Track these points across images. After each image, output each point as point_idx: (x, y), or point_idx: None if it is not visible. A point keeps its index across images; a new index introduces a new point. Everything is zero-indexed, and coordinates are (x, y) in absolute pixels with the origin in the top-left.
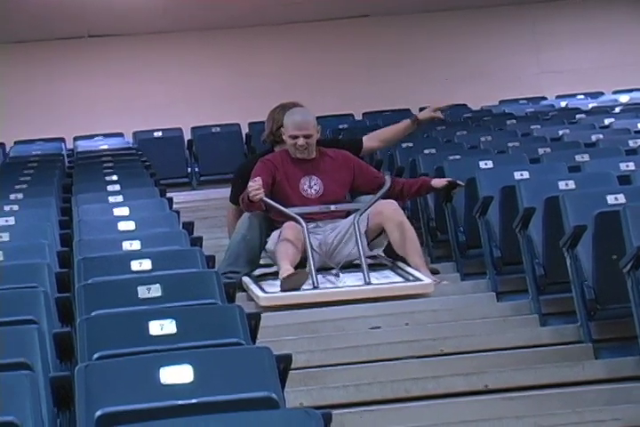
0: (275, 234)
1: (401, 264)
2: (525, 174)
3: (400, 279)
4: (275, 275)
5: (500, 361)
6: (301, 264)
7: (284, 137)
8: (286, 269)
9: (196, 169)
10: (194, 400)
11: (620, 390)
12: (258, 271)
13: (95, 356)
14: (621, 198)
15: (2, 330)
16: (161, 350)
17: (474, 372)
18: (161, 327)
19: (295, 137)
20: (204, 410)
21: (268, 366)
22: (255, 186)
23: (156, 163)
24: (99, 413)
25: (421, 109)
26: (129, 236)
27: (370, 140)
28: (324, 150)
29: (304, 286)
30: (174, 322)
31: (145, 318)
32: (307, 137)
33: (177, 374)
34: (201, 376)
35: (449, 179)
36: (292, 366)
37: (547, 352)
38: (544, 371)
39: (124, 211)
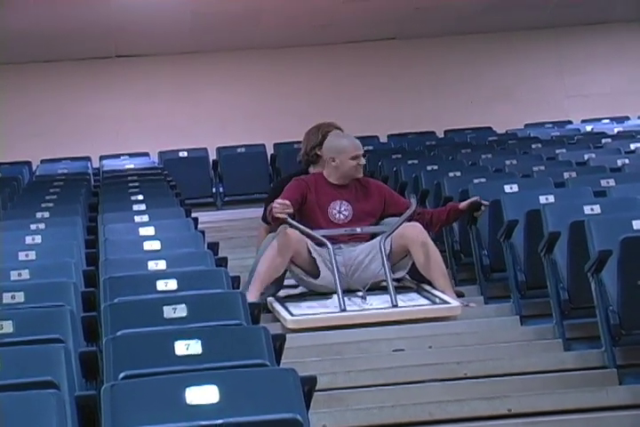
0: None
1: (426, 286)
2: (551, 198)
3: (427, 302)
4: (300, 296)
5: (523, 385)
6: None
7: (335, 162)
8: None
9: (221, 189)
10: (219, 421)
11: None
12: (282, 292)
13: (121, 375)
14: None
15: (28, 349)
16: (187, 371)
17: (497, 396)
18: (187, 347)
19: (357, 157)
20: None
21: (293, 387)
22: (281, 206)
23: (181, 183)
24: None
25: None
26: (154, 255)
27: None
28: (359, 178)
29: (331, 309)
30: (200, 342)
31: (171, 338)
32: (364, 156)
33: (203, 395)
34: (226, 397)
35: (473, 199)
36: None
37: (570, 377)
38: (567, 396)
39: (150, 230)
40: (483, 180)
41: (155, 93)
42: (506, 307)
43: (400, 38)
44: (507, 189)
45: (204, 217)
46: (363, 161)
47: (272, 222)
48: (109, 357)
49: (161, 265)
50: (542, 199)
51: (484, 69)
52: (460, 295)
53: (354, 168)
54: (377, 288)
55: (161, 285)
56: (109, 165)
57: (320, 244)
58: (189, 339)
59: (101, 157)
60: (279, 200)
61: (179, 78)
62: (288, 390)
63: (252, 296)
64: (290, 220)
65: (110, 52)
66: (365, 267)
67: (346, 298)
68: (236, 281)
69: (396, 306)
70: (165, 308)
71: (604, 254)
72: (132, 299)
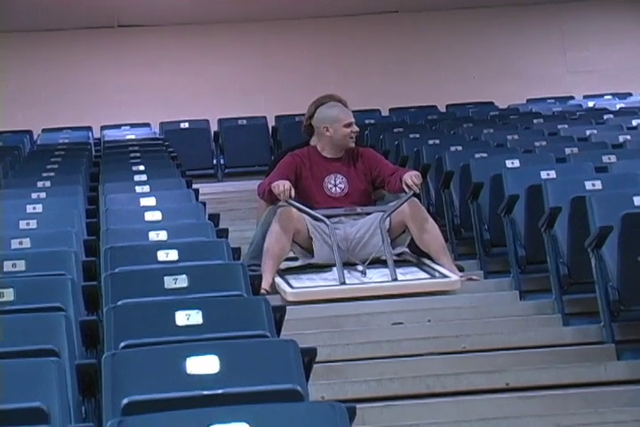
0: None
1: (426, 261)
2: (552, 174)
3: (426, 276)
4: (300, 269)
5: (521, 360)
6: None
7: (329, 132)
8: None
9: (222, 161)
10: (219, 391)
11: None
12: (283, 265)
13: (122, 344)
14: None
15: (29, 317)
16: (187, 341)
17: (495, 370)
18: (187, 318)
19: (350, 124)
20: (229, 401)
21: (293, 358)
22: (281, 188)
23: (181, 154)
24: (125, 401)
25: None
26: (155, 226)
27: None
28: (350, 149)
29: (331, 282)
30: (200, 313)
31: (172, 308)
32: (359, 132)
33: (203, 365)
34: (227, 367)
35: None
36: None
37: (569, 352)
38: (565, 370)
39: (151, 201)
40: (484, 154)
41: (157, 64)
42: (505, 282)
43: (403, 11)
44: (508, 164)
45: (205, 188)
46: (356, 128)
47: (265, 199)
48: (110, 326)
49: (162, 236)
50: (543, 175)
51: (488, 44)
52: (460, 270)
53: (347, 136)
54: (377, 262)
55: (162, 255)
56: (110, 135)
57: (319, 219)
58: (190, 309)
59: (102, 127)
60: (284, 184)
61: (181, 49)
62: (288, 362)
63: (268, 278)
64: (292, 201)
65: (112, 22)
66: (365, 242)
67: (346, 271)
68: (236, 252)
69: (395, 280)
70: (166, 278)
71: (605, 230)
72: (133, 269)
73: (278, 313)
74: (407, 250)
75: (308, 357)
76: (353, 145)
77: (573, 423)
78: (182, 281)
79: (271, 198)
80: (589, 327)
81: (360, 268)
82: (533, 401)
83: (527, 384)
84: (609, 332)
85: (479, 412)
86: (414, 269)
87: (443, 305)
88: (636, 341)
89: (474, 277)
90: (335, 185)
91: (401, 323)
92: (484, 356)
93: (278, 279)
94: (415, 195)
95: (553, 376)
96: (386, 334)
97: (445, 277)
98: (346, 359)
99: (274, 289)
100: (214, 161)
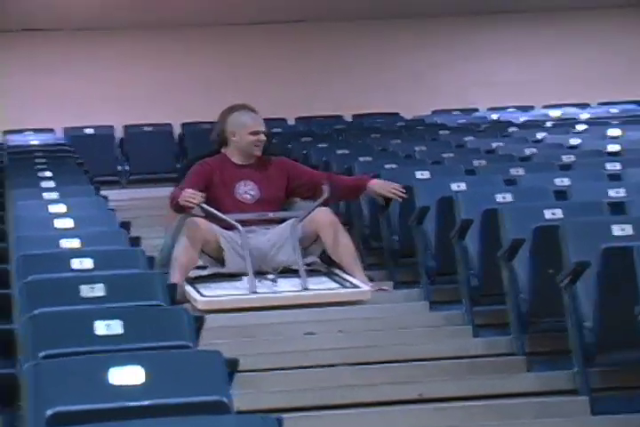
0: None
1: (337, 270)
2: (462, 186)
3: (337, 285)
4: (210, 277)
5: (432, 371)
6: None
7: (235, 137)
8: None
9: (127, 168)
10: (145, 402)
11: (551, 404)
12: (192, 273)
13: (41, 354)
14: (558, 213)
15: None
16: (108, 351)
17: (407, 381)
18: (107, 327)
19: (257, 133)
20: (155, 413)
21: (218, 369)
22: (191, 194)
23: (85, 160)
24: (49, 412)
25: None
26: (67, 234)
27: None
28: (262, 156)
29: (242, 291)
30: (120, 322)
31: (90, 317)
32: (264, 134)
33: (128, 376)
34: (151, 378)
35: (393, 188)
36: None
37: (479, 364)
38: (476, 382)
39: (61, 208)
40: (393, 165)
41: (61, 69)
42: (415, 292)
43: (309, 21)
44: (418, 175)
45: (109, 196)
46: (262, 137)
47: (174, 210)
48: (27, 335)
49: (74, 243)
50: (454, 186)
51: (393, 54)
52: (369, 280)
53: (252, 144)
54: (288, 271)
55: (76, 263)
56: (13, 140)
57: (231, 227)
58: (110, 319)
59: (5, 132)
60: (191, 191)
61: (87, 54)
62: (213, 373)
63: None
64: (203, 205)
65: (16, 26)
66: (277, 250)
67: (256, 280)
68: (151, 261)
69: (306, 289)
70: (82, 287)
71: (517, 242)
72: (48, 277)
73: (197, 323)
74: (318, 260)
75: (231, 368)
76: (259, 153)
77: None
78: (99, 290)
79: (181, 210)
80: (500, 339)
81: (271, 276)
82: (446, 412)
83: (440, 395)
84: (519, 344)
85: (392, 423)
86: (325, 278)
87: (353, 315)
88: (546, 353)
89: (384, 287)
90: (246, 192)
91: (313, 333)
92: (395, 367)
93: (188, 288)
94: (325, 204)
95: (464, 388)
96: (298, 344)
97: (356, 287)
98: (258, 369)
99: (183, 297)
100: (118, 168)
